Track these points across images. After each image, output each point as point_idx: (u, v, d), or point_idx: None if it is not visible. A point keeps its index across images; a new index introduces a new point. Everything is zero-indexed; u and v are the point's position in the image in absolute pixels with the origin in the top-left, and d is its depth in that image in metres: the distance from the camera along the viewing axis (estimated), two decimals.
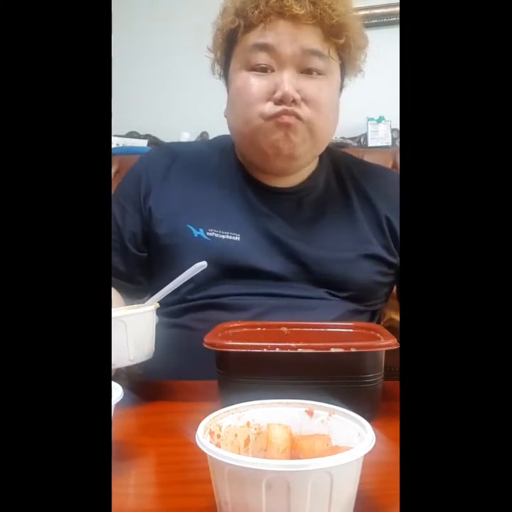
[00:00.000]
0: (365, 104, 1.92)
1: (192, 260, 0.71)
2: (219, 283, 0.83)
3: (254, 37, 0.80)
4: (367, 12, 2.03)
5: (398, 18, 1.96)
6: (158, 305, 0.70)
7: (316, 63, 0.80)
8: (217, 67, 0.90)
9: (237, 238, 0.84)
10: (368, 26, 2.15)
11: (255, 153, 0.86)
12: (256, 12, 0.78)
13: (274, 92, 0.79)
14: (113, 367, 0.65)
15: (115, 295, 0.87)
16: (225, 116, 0.89)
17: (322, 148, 0.89)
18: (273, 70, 0.80)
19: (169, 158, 0.93)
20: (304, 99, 0.80)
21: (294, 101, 0.78)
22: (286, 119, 0.79)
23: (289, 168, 0.86)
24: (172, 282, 0.69)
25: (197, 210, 0.87)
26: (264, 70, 0.80)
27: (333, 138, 1.87)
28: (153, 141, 2.11)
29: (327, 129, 0.86)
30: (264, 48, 0.79)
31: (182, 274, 0.69)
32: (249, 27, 0.80)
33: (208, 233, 0.84)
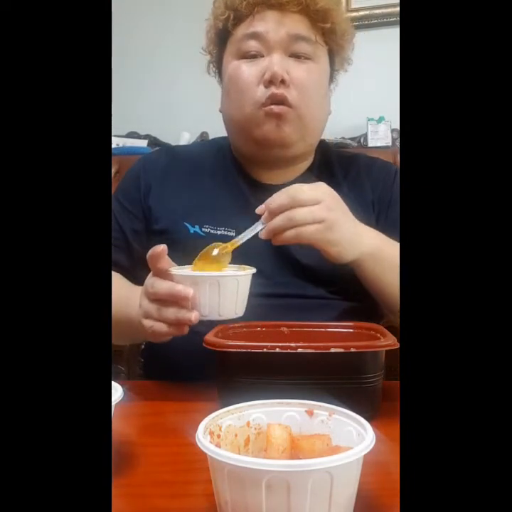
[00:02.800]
0: (365, 104, 1.92)
1: (187, 257, 0.72)
2: None
3: (244, 28, 0.85)
4: (367, 12, 2.03)
5: (398, 18, 1.96)
6: (254, 270, 0.72)
7: (304, 48, 0.84)
8: (212, 66, 0.94)
9: (233, 234, 0.85)
10: (368, 26, 2.16)
11: (248, 143, 0.88)
12: (244, 3, 0.83)
13: (264, 74, 0.82)
14: (226, 317, 0.68)
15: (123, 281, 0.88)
16: (220, 112, 0.91)
17: (315, 137, 0.91)
18: (262, 56, 0.84)
19: (167, 159, 0.95)
20: (293, 82, 0.82)
21: (283, 82, 0.81)
22: (276, 109, 0.82)
23: (282, 157, 0.88)
24: (246, 232, 0.72)
25: (193, 208, 0.88)
26: (254, 56, 0.84)
27: (333, 138, 1.88)
28: (153, 141, 2.10)
29: (317, 114, 0.88)
30: (253, 36, 0.84)
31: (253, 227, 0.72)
32: (240, 19, 0.85)
33: (203, 229, 0.86)
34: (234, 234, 0.85)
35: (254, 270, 0.71)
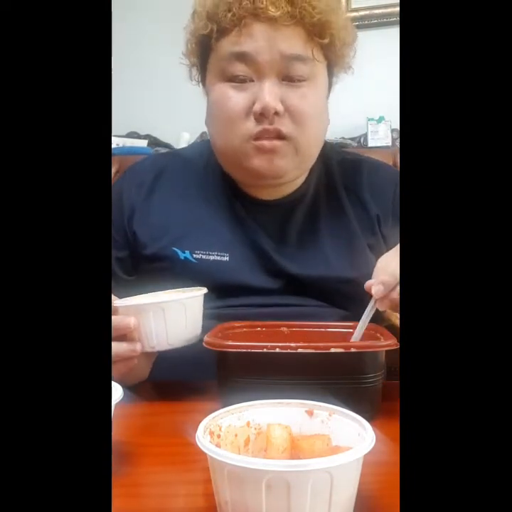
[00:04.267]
0: (365, 104, 1.93)
1: (179, 283, 0.69)
2: (209, 301, 0.75)
3: (229, 44, 0.74)
4: (367, 12, 2.03)
5: (398, 18, 1.96)
6: (206, 290, 0.69)
7: (299, 69, 0.74)
8: (195, 73, 0.86)
9: (226, 258, 0.80)
10: (367, 26, 2.16)
11: (238, 173, 0.82)
12: (229, 15, 0.72)
13: (254, 103, 0.73)
14: (176, 345, 0.67)
15: None
16: (206, 125, 0.84)
17: (312, 161, 0.84)
18: (252, 80, 0.74)
19: (153, 173, 0.88)
20: (288, 111, 0.74)
21: (276, 113, 0.73)
22: (268, 145, 0.74)
23: (275, 184, 0.82)
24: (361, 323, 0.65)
25: (182, 230, 0.82)
26: (242, 80, 0.75)
27: (333, 138, 1.88)
28: (153, 141, 2.10)
29: (314, 142, 0.81)
30: (241, 57, 0.73)
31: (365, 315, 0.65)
32: (223, 32, 0.74)
33: (194, 255, 0.80)
34: (228, 259, 0.80)
35: (204, 290, 0.68)
